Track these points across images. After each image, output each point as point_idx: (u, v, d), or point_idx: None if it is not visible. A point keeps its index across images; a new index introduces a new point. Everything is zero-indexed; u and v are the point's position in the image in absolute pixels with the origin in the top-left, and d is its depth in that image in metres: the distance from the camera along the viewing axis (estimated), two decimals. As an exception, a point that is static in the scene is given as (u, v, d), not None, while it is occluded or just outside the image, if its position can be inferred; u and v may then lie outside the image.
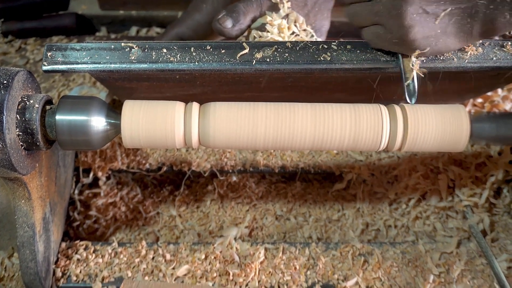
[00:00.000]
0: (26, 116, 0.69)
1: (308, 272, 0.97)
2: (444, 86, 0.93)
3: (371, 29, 0.71)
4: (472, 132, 0.74)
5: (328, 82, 0.87)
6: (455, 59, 0.74)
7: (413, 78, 0.72)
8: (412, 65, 0.72)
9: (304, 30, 0.89)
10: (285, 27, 0.86)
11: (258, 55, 0.75)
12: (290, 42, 0.76)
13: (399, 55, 0.73)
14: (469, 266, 0.97)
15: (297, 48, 0.75)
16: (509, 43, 0.75)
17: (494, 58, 0.74)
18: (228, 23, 0.85)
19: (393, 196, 1.17)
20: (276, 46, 0.76)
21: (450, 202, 1.11)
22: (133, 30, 1.44)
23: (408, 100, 0.73)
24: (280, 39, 0.84)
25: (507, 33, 0.81)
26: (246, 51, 0.74)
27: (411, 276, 0.95)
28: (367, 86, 0.84)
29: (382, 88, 0.87)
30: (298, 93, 0.96)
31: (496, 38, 0.77)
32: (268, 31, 0.85)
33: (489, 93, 1.14)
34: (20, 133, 0.69)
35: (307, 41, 0.76)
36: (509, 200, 1.07)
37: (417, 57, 0.72)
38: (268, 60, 0.74)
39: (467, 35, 0.67)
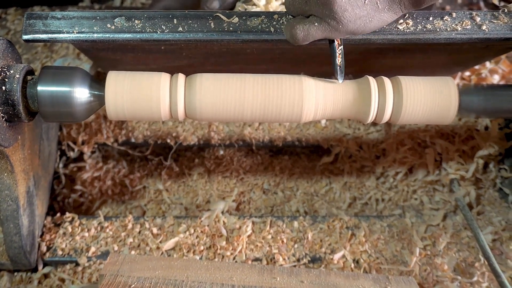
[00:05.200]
0: (6, 86, 0.67)
1: (296, 246, 0.97)
2: (432, 58, 0.92)
3: (304, 21, 0.68)
4: (460, 104, 0.74)
5: (316, 55, 0.86)
6: (444, 31, 0.73)
7: (342, 58, 0.72)
8: (339, 46, 0.71)
9: None
10: (272, -2, 0.84)
11: (245, 25, 0.73)
12: (277, 13, 0.74)
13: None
14: (455, 238, 0.98)
15: (284, 20, 0.73)
16: (502, 13, 0.74)
17: (485, 29, 0.73)
18: (216, 5, 0.84)
19: (380, 170, 1.17)
20: (263, 17, 0.74)
21: (437, 175, 1.12)
22: (117, 0, 1.41)
23: (339, 79, 0.72)
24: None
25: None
26: (225, 20, 0.72)
27: (398, 249, 0.96)
28: (354, 58, 0.84)
29: (378, 59, 0.87)
30: (286, 66, 0.95)
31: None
32: (254, 4, 0.84)
33: (476, 66, 1.13)
34: (1, 104, 0.67)
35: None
36: (495, 174, 1.07)
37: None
38: (254, 30, 0.73)
39: (400, 7, 0.66)
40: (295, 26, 0.67)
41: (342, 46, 0.71)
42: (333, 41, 0.71)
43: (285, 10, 0.72)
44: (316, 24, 0.66)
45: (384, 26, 0.71)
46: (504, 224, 0.99)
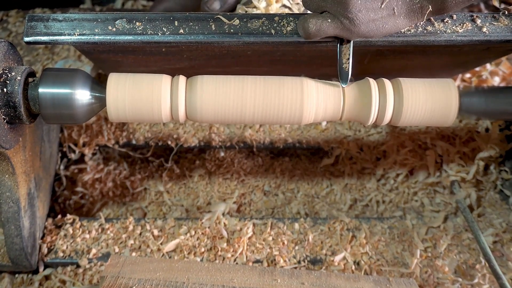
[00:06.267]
0: (7, 88, 0.67)
1: (296, 247, 0.97)
2: (433, 60, 0.92)
3: (318, 16, 0.68)
4: (461, 106, 0.74)
5: (316, 56, 0.86)
6: (445, 32, 0.73)
7: (348, 62, 0.72)
8: (349, 49, 0.71)
9: (297, 3, 0.87)
10: (272, 0, 0.84)
11: (245, 27, 0.73)
12: (278, 15, 0.75)
13: (338, 39, 0.72)
14: (455, 240, 0.98)
15: (285, 22, 0.74)
16: (503, 16, 0.74)
17: (485, 31, 0.73)
18: (216, 5, 0.83)
19: (381, 172, 1.17)
20: (264, 19, 0.74)
21: (437, 177, 1.12)
22: (118, 2, 1.41)
23: (342, 83, 0.73)
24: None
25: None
26: (226, 22, 0.73)
27: (398, 251, 0.96)
28: (355, 60, 0.83)
29: (378, 61, 0.87)
30: (286, 68, 0.95)
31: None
32: (254, 7, 0.84)
33: (477, 68, 1.13)
34: (2, 106, 0.67)
35: (295, 14, 0.75)
36: (496, 176, 1.07)
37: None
38: (255, 32, 0.73)
39: (418, 14, 0.66)
40: (308, 20, 0.67)
41: (351, 51, 0.71)
42: (342, 42, 0.71)
43: (301, 8, 0.72)
44: (329, 20, 0.66)
45: None
46: (505, 226, 0.99)
